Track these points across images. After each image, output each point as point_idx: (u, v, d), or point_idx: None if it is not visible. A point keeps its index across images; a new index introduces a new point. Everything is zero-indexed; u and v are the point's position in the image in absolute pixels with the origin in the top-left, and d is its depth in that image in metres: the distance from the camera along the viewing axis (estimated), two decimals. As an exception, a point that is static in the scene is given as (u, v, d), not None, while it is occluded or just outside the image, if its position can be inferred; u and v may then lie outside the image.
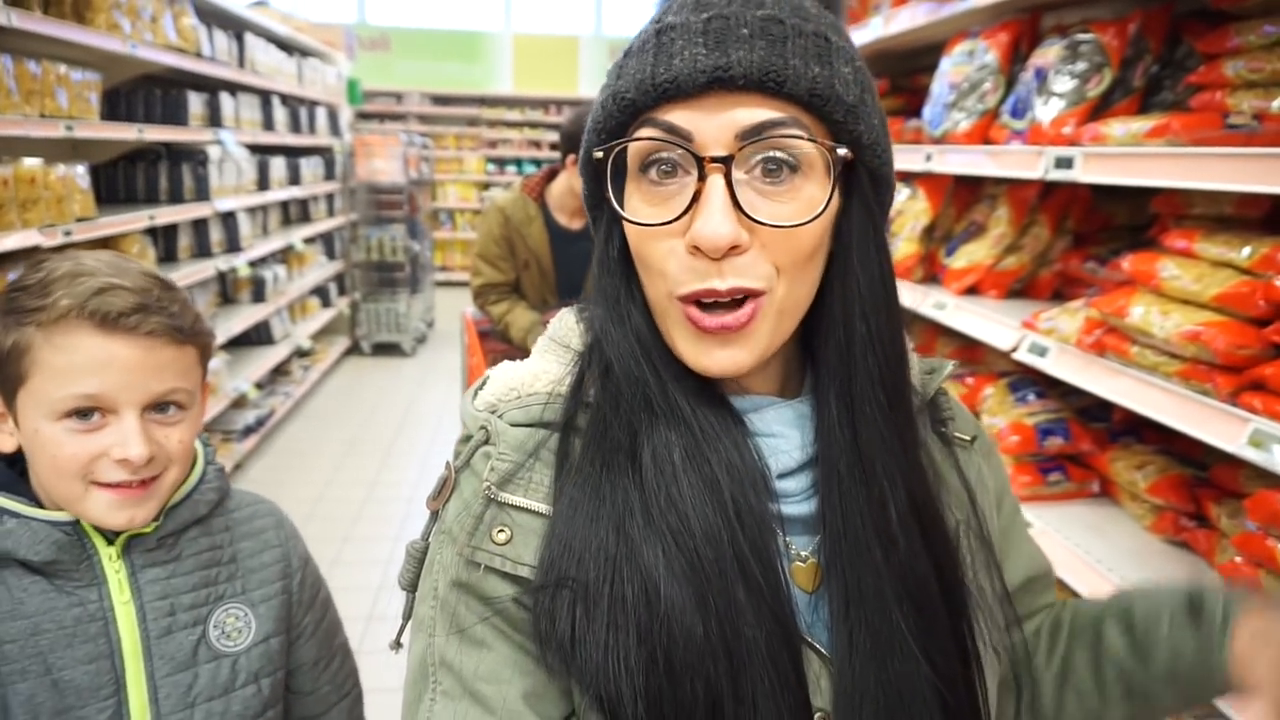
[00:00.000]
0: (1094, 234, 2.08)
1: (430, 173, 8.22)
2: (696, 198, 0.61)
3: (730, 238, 0.59)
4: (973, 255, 2.12)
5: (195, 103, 4.12)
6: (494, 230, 2.96)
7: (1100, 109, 1.67)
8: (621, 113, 0.63)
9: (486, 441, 0.68)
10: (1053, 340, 1.64)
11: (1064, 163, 1.58)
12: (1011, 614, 0.74)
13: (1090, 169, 1.52)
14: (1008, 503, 0.83)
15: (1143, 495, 1.67)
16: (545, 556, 0.64)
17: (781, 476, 0.68)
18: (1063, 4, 1.88)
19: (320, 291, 6.43)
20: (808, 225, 0.62)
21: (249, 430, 4.55)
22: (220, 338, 4.16)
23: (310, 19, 7.11)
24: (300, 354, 5.89)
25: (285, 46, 5.77)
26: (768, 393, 0.71)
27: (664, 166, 0.63)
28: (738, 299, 0.62)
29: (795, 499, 0.69)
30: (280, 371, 5.54)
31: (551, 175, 3.02)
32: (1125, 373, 1.44)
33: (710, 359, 0.64)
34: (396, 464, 4.66)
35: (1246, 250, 1.32)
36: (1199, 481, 1.62)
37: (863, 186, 0.66)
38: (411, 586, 0.70)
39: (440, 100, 10.53)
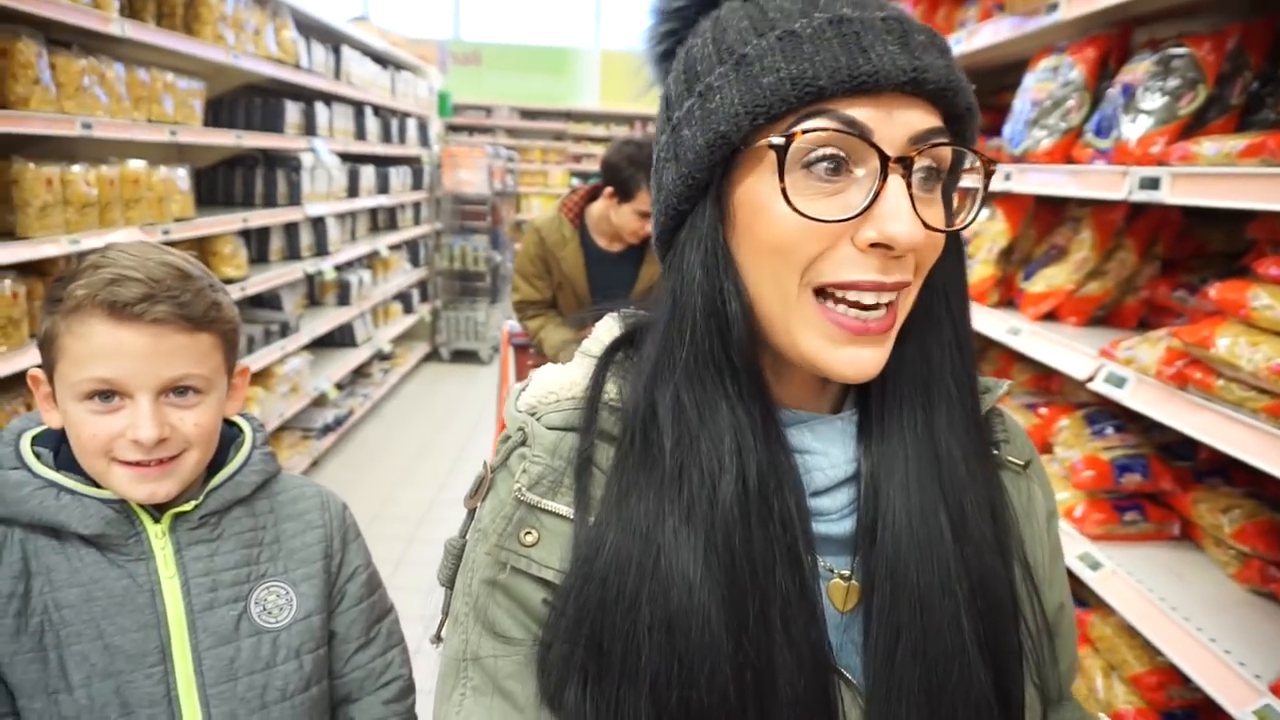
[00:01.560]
0: (1186, 261, 1.96)
1: (514, 185, 8.39)
2: (876, 195, 0.58)
3: (922, 237, 0.59)
4: (1052, 279, 2.02)
5: (292, 111, 4.31)
6: (530, 250, 2.98)
7: (1193, 128, 1.57)
8: (800, 99, 0.58)
9: (523, 443, 0.68)
10: (1131, 370, 1.55)
11: (1150, 183, 1.49)
12: (1050, 649, 0.72)
13: (1178, 190, 1.43)
14: (1053, 527, 0.79)
15: (1227, 540, 1.55)
16: (553, 610, 0.65)
17: (815, 495, 0.67)
18: (1156, 18, 1.79)
19: (403, 297, 6.63)
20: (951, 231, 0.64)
21: (327, 429, 4.71)
22: (305, 338, 4.33)
23: (406, 34, 7.37)
24: (381, 357, 6.08)
25: (380, 60, 6.00)
26: (819, 409, 0.70)
27: (830, 164, 0.59)
28: (884, 302, 0.62)
29: (830, 517, 0.68)
30: (361, 373, 5.73)
31: (593, 195, 2.94)
32: (1208, 407, 1.35)
33: (851, 359, 0.61)
34: (466, 469, 4.74)
35: (1349, 280, 1.22)
36: (1292, 529, 1.50)
37: None
38: (450, 582, 0.71)
39: (528, 114, 10.76)
